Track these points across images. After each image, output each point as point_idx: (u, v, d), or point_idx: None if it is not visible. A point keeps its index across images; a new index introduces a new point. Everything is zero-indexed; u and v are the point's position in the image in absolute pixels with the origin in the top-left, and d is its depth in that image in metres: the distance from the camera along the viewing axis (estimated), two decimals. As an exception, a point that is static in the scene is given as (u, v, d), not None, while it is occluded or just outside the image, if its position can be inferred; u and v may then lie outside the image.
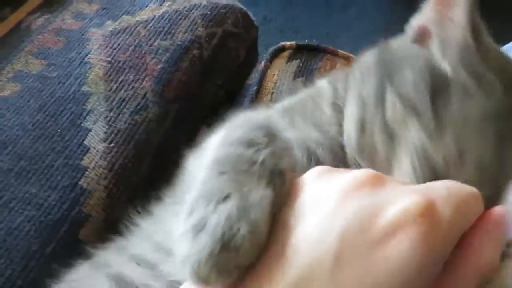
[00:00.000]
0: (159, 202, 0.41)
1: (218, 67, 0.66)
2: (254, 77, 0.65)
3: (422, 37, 0.37)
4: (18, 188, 0.45)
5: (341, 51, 0.69)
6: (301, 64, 0.66)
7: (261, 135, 0.31)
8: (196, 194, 0.27)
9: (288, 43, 0.69)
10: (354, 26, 1.63)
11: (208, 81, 0.63)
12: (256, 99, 0.63)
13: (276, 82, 0.63)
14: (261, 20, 1.69)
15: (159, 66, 0.58)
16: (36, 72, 0.55)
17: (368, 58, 0.38)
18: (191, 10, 0.67)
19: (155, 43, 0.60)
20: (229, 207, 0.25)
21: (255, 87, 0.63)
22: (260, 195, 0.26)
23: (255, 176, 0.27)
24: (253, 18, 0.77)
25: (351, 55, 0.68)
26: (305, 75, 0.65)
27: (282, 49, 0.68)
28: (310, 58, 0.68)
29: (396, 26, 0.40)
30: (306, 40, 0.73)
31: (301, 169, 0.30)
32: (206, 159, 0.31)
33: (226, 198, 0.26)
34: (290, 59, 0.67)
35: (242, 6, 0.76)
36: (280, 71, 0.65)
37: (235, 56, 0.70)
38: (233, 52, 0.69)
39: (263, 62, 0.66)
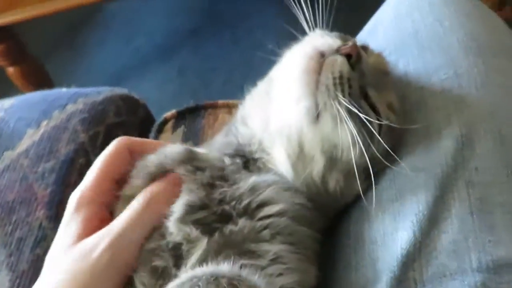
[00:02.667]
0: None
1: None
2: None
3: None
4: None
5: (220, 101, 0.71)
6: (185, 129, 0.69)
7: None
8: None
9: (169, 113, 0.71)
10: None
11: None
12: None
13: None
14: (176, 73, 1.73)
15: (48, 190, 0.60)
16: None
17: None
18: (69, 120, 0.69)
19: (40, 169, 0.62)
20: None
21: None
22: None
23: None
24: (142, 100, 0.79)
25: (230, 102, 0.71)
26: (191, 138, 0.67)
27: (165, 122, 0.70)
28: (193, 119, 0.70)
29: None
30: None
31: None
32: None
33: None
34: (174, 128, 0.69)
35: (122, 91, 0.78)
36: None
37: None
38: (124, 141, 0.72)
39: (150, 142, 0.68)
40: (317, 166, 0.42)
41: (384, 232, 0.40)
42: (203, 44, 1.76)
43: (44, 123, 0.68)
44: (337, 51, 0.42)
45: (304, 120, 0.41)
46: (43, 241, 0.55)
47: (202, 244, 0.38)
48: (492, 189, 0.38)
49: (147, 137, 0.73)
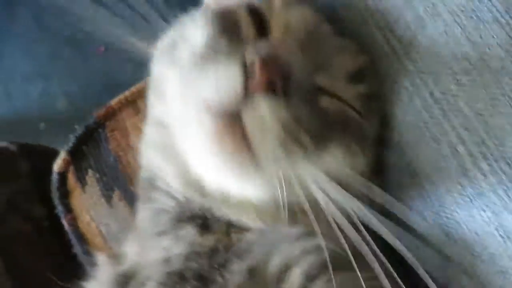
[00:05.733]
0: None
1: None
2: (72, 240, 0.46)
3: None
4: None
5: (113, 102, 0.46)
6: (98, 175, 0.46)
7: None
8: None
9: (59, 162, 0.47)
10: None
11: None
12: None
13: (98, 228, 0.44)
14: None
15: None
16: None
17: None
18: None
19: None
20: None
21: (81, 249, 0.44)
22: None
23: None
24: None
25: (127, 96, 0.46)
26: (113, 182, 0.45)
27: (62, 178, 0.46)
28: (96, 149, 0.47)
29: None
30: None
31: None
32: None
33: None
34: (81, 180, 0.46)
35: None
36: (90, 208, 0.45)
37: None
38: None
39: (64, 220, 0.45)
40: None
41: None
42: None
43: None
44: (246, 95, 0.27)
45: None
46: None
47: None
48: None
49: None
